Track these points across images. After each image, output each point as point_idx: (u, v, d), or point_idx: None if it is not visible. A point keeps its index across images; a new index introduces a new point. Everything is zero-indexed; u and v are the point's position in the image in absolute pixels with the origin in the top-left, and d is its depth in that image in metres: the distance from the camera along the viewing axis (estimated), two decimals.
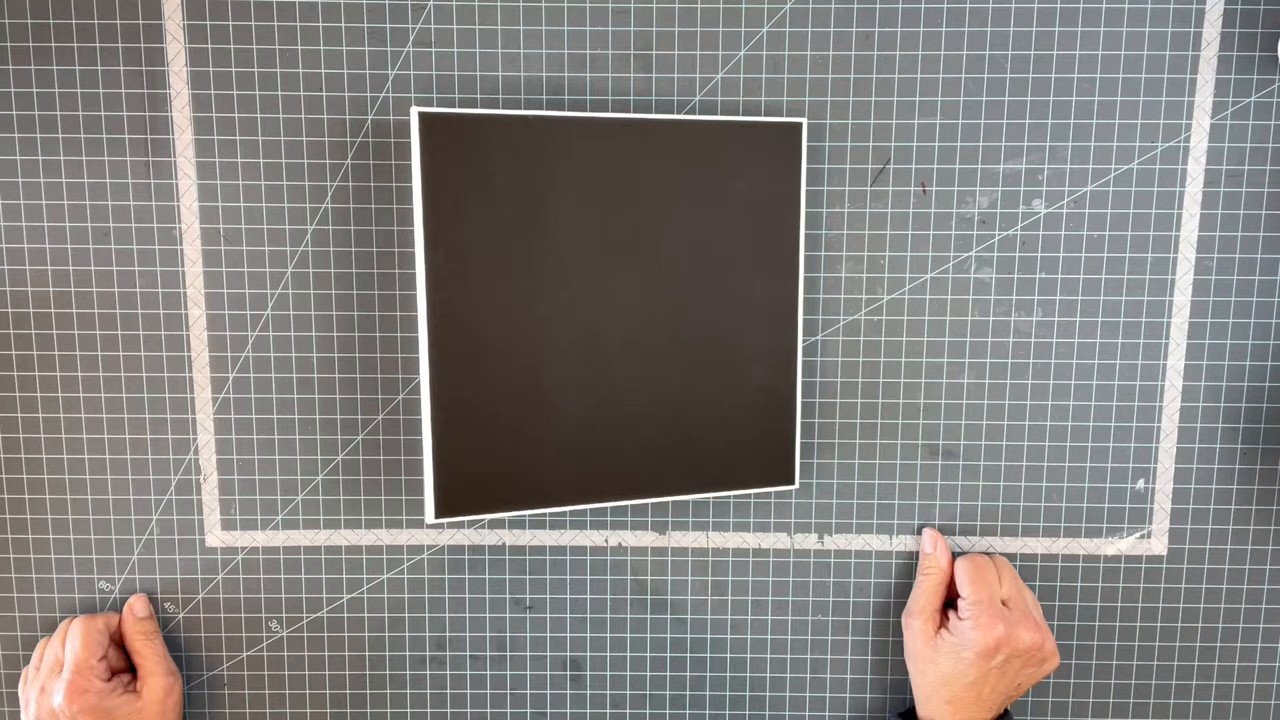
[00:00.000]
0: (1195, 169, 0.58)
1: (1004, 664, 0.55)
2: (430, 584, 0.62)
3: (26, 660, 0.62)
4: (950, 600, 0.60)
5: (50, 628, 0.62)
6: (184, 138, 0.58)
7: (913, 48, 0.57)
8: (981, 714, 0.56)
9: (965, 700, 0.56)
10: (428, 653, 0.63)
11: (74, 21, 0.56)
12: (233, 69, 0.57)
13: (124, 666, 0.60)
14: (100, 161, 0.58)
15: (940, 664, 0.57)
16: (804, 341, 0.59)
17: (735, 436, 0.58)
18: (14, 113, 0.57)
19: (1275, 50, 0.57)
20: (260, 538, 0.61)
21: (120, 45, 0.57)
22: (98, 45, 0.56)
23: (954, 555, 0.60)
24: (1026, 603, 0.58)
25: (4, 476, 0.61)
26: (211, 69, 0.57)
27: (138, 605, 0.60)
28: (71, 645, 0.57)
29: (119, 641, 0.60)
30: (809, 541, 0.62)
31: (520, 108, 0.57)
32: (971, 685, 0.56)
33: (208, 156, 0.58)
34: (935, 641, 0.58)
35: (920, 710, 0.59)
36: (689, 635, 0.63)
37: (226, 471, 0.61)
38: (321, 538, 0.62)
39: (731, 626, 0.63)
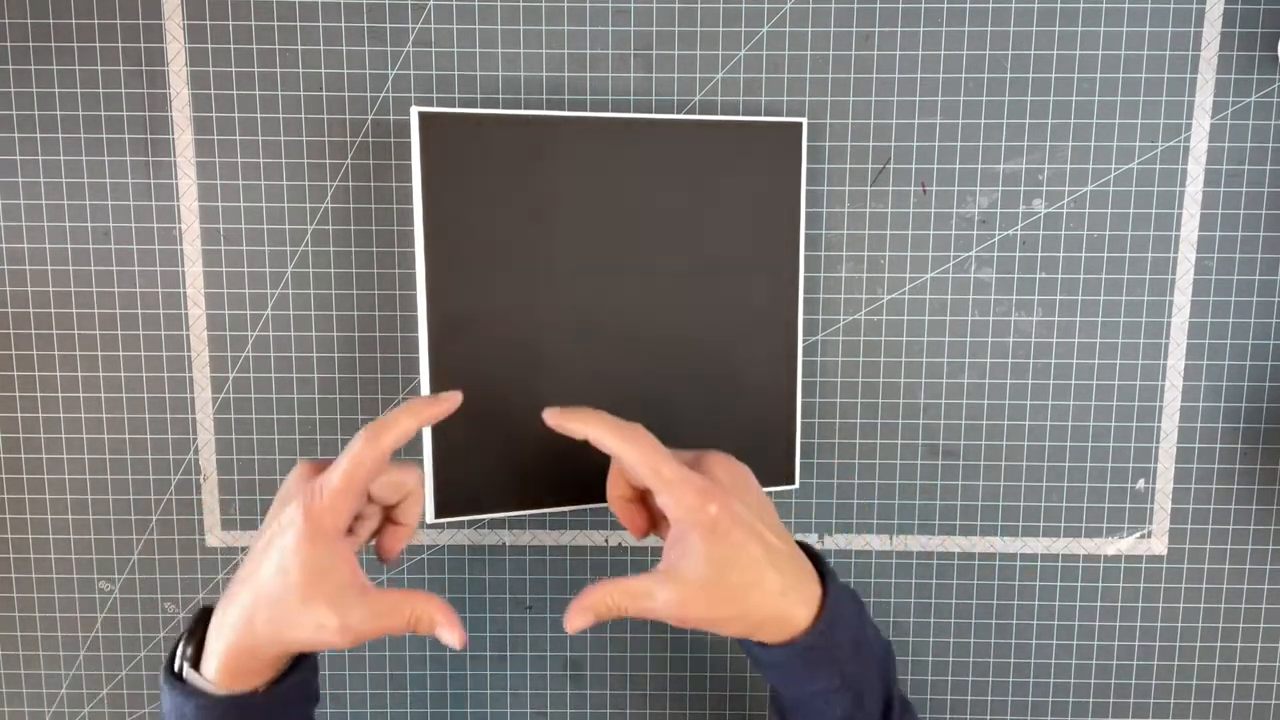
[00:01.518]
0: (1195, 169, 0.58)
1: (730, 512, 0.44)
2: (430, 584, 0.62)
3: (27, 660, 0.62)
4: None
5: (51, 628, 0.62)
6: (184, 138, 0.58)
7: (913, 48, 0.57)
8: (792, 574, 0.45)
9: (776, 576, 0.44)
10: (428, 653, 0.63)
11: (74, 21, 0.56)
12: (233, 69, 0.57)
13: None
14: (100, 161, 0.58)
15: (705, 575, 0.44)
16: (804, 341, 0.59)
17: (735, 437, 0.58)
18: (14, 113, 0.57)
19: (1275, 50, 0.57)
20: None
21: (120, 45, 0.57)
22: (98, 45, 0.56)
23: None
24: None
25: (4, 476, 0.61)
26: (211, 69, 0.57)
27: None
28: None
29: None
30: (809, 541, 0.62)
31: (520, 108, 0.57)
32: (758, 555, 0.44)
33: (208, 156, 0.58)
34: (670, 566, 0.45)
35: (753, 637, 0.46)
36: (689, 635, 0.63)
37: (226, 471, 0.61)
38: None
39: None
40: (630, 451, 0.45)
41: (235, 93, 0.57)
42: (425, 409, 0.46)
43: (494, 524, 0.62)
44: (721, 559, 0.44)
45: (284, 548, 0.43)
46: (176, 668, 0.45)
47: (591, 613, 0.44)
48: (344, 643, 0.43)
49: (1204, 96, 0.57)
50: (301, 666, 0.46)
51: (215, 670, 0.43)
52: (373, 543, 0.50)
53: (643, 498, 0.51)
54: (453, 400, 0.47)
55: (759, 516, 0.46)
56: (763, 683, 0.63)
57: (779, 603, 0.45)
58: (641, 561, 0.62)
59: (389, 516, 0.49)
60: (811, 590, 0.46)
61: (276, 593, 0.43)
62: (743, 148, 0.56)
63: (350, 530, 0.47)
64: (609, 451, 0.46)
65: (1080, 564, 0.62)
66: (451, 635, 0.44)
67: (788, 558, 0.46)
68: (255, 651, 0.43)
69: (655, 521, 0.51)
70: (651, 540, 0.62)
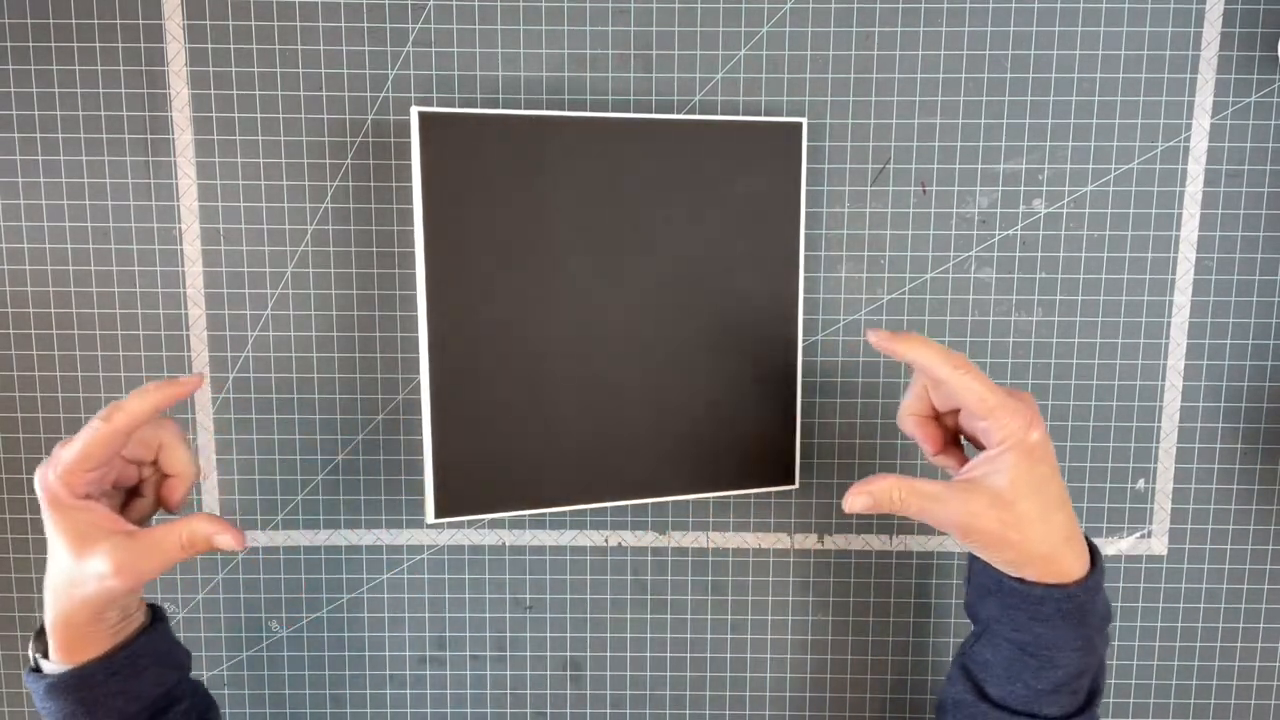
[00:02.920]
0: (1195, 169, 0.58)
1: (1048, 443, 0.46)
2: (430, 584, 0.62)
3: (27, 661, 0.62)
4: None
5: None
6: (184, 138, 0.58)
7: (913, 48, 0.57)
8: (1076, 528, 0.46)
9: (1065, 521, 0.46)
10: (428, 653, 0.63)
11: (74, 21, 0.56)
12: (233, 69, 0.57)
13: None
14: (100, 161, 0.58)
15: (1020, 492, 0.45)
16: (804, 341, 0.59)
17: (735, 436, 0.58)
18: (14, 113, 0.57)
19: (1275, 50, 0.57)
20: (260, 538, 0.61)
21: (120, 45, 0.57)
22: (98, 45, 0.56)
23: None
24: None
25: (4, 476, 0.61)
26: (211, 69, 0.57)
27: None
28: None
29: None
30: (809, 541, 0.62)
31: (520, 108, 0.57)
32: (1056, 493, 0.45)
33: (208, 156, 0.58)
34: (972, 478, 0.46)
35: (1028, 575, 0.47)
36: (689, 635, 0.63)
37: (226, 471, 0.61)
38: (321, 538, 0.62)
39: (731, 626, 0.63)
40: (960, 377, 0.46)
41: (235, 93, 0.57)
42: (156, 391, 0.47)
43: (494, 524, 0.62)
44: (1029, 483, 0.45)
45: (48, 531, 0.46)
46: (32, 665, 0.49)
47: (872, 498, 0.46)
48: (126, 583, 0.45)
49: (1204, 96, 0.57)
50: (148, 631, 0.49)
51: (53, 650, 0.47)
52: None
53: (939, 418, 0.51)
54: (189, 384, 0.48)
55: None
56: (763, 682, 0.63)
57: (1060, 546, 0.46)
58: (642, 561, 0.62)
59: (162, 472, 0.51)
60: (1083, 549, 0.47)
61: (60, 565, 0.46)
62: (743, 148, 0.56)
63: (135, 496, 0.50)
64: (933, 375, 0.47)
65: None
66: (225, 538, 0.46)
67: (1072, 511, 0.47)
68: (70, 620, 0.46)
69: (946, 445, 0.51)
70: (651, 540, 0.62)
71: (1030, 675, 0.47)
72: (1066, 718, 0.47)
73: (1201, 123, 0.57)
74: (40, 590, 0.57)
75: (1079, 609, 0.46)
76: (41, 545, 0.61)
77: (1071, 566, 0.46)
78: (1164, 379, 0.60)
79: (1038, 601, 0.46)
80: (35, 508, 0.61)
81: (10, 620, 0.62)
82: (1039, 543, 0.46)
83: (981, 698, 0.49)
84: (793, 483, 0.60)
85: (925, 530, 0.62)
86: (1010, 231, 0.59)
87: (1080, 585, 0.46)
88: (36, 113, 0.57)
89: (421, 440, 0.57)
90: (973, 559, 0.50)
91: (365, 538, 0.62)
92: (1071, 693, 0.47)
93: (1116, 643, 0.63)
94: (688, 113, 0.57)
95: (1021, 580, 0.47)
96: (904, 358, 0.47)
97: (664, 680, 0.64)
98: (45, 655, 0.48)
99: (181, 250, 0.59)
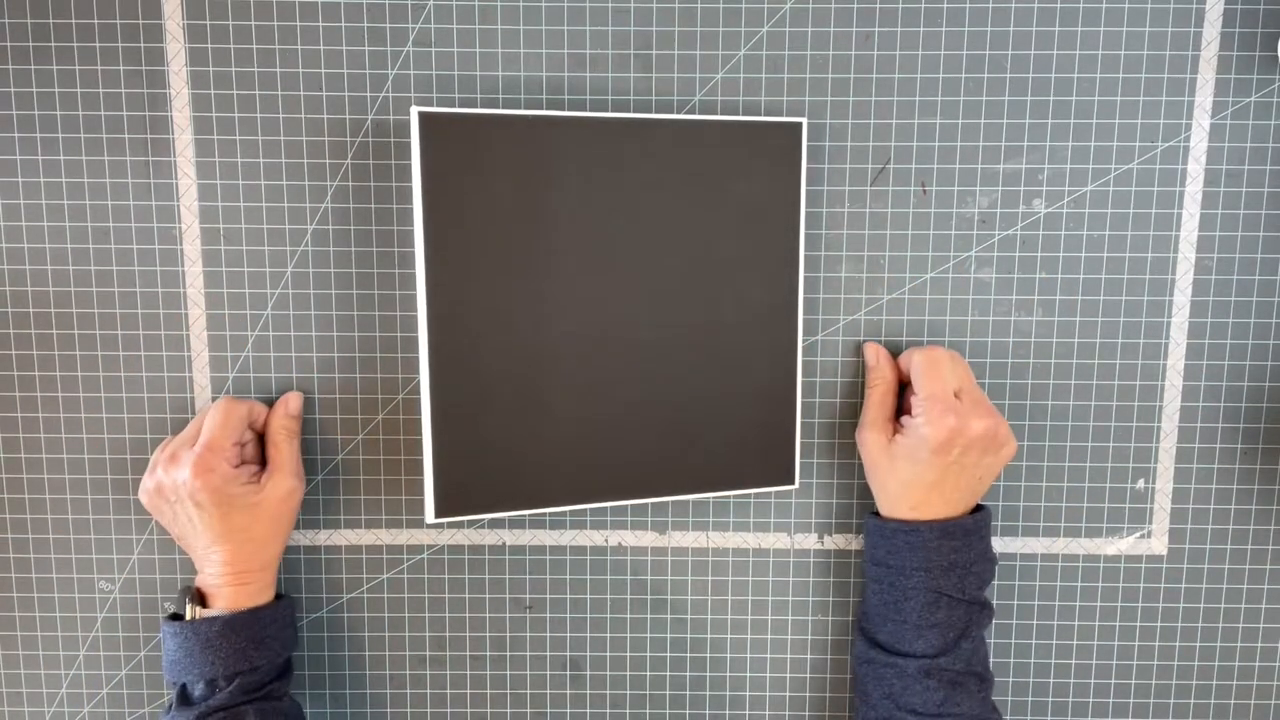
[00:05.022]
0: (1195, 169, 0.58)
1: (960, 457, 0.54)
2: (430, 584, 0.62)
3: (27, 660, 0.62)
4: (904, 412, 0.59)
5: (51, 628, 0.62)
6: (184, 138, 0.58)
7: (913, 48, 0.57)
8: (948, 512, 0.56)
9: (930, 503, 0.55)
10: (428, 653, 0.63)
11: (74, 21, 0.56)
12: (233, 69, 0.57)
13: (256, 459, 0.59)
14: (100, 161, 0.58)
15: (899, 470, 0.56)
16: (804, 341, 0.59)
17: (735, 436, 0.58)
18: (14, 113, 0.57)
19: (1275, 50, 0.57)
20: None
21: (120, 45, 0.57)
22: (98, 45, 0.56)
23: (900, 355, 0.59)
24: (978, 392, 0.56)
25: (4, 476, 0.61)
26: (211, 69, 0.57)
27: (292, 401, 0.59)
28: (211, 421, 0.56)
29: (260, 433, 0.59)
30: (809, 541, 0.62)
31: (520, 108, 0.57)
32: (933, 486, 0.55)
33: (208, 156, 0.58)
34: (890, 448, 0.56)
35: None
36: (689, 635, 0.63)
37: None
38: (321, 538, 0.62)
39: (731, 626, 0.63)
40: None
41: (235, 93, 0.57)
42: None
43: (494, 524, 0.62)
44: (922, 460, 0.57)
45: (208, 510, 0.55)
46: (189, 616, 0.56)
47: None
48: (301, 482, 0.58)
49: (1204, 96, 0.57)
50: (281, 599, 0.59)
51: (222, 600, 0.56)
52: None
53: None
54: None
55: None
56: (764, 682, 0.63)
57: (926, 496, 0.56)
58: (642, 561, 0.62)
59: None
60: (960, 509, 0.57)
61: (239, 520, 0.56)
62: (743, 148, 0.56)
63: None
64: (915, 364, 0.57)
65: (1080, 564, 0.62)
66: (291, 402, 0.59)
67: (957, 489, 0.57)
68: (256, 560, 0.57)
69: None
70: (652, 540, 0.62)
71: (893, 611, 0.56)
72: (935, 655, 0.54)
73: (1201, 123, 0.57)
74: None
75: (923, 543, 0.55)
76: (41, 545, 0.61)
77: (934, 514, 0.56)
78: (1164, 379, 0.60)
79: (890, 534, 0.56)
80: (36, 507, 0.61)
81: (10, 620, 0.62)
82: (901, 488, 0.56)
83: (873, 645, 0.57)
84: (793, 483, 0.60)
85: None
86: (1010, 231, 0.59)
87: (927, 524, 0.55)
88: (36, 113, 0.57)
89: (421, 440, 0.57)
90: (871, 530, 0.58)
91: (365, 538, 0.62)
92: (934, 629, 0.55)
93: (1116, 643, 0.63)
94: (688, 113, 0.57)
95: (881, 517, 0.57)
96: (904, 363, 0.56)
97: (664, 680, 0.64)
98: (204, 605, 0.56)
99: (181, 250, 0.59)
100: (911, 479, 0.55)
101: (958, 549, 0.55)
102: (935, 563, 0.55)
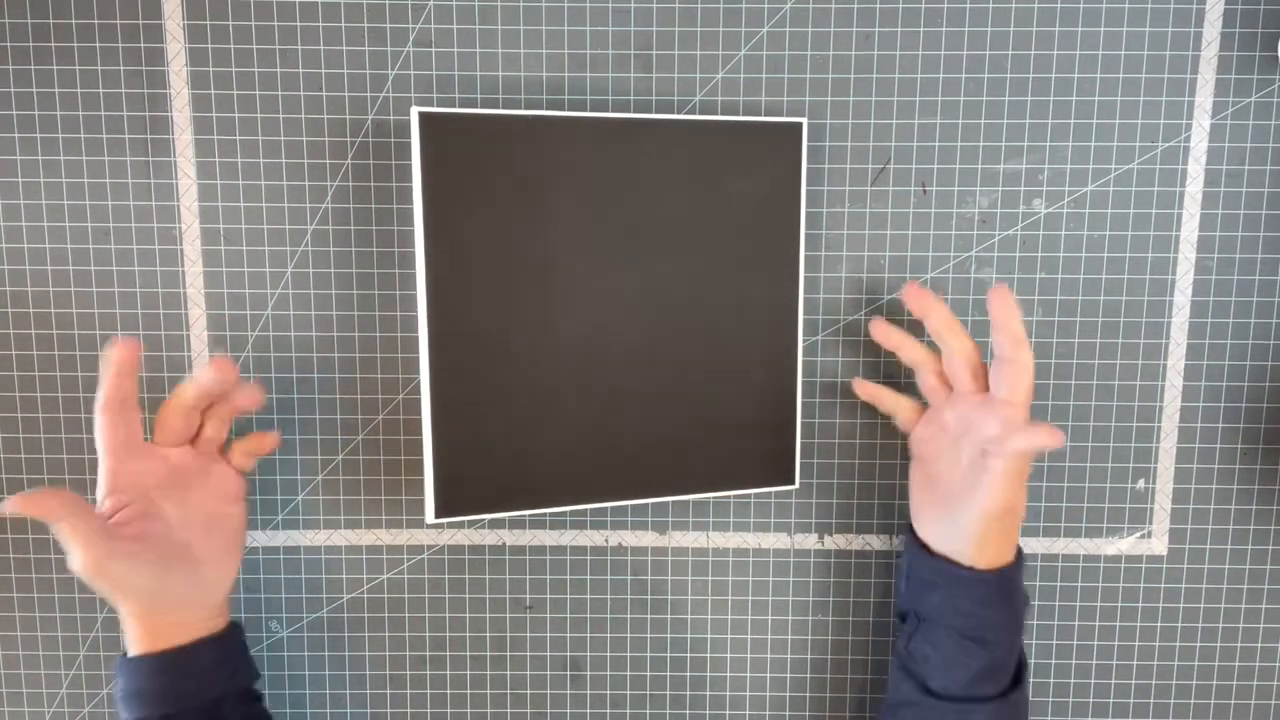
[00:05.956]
0: (1195, 169, 0.58)
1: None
2: (430, 584, 0.62)
3: (27, 660, 0.62)
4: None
5: (51, 628, 0.62)
6: (184, 138, 0.58)
7: (913, 48, 0.57)
8: (951, 527, 0.53)
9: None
10: (428, 653, 0.63)
11: (74, 21, 0.56)
12: (233, 69, 0.57)
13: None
14: (100, 161, 0.58)
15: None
16: (804, 341, 0.59)
17: (735, 436, 0.58)
18: (14, 113, 0.57)
19: (1275, 50, 0.57)
20: (260, 538, 0.61)
21: (120, 45, 0.57)
22: (98, 45, 0.56)
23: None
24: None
25: (4, 476, 0.61)
26: (211, 69, 0.57)
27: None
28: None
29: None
30: (809, 541, 0.62)
31: (520, 108, 0.57)
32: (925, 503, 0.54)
33: (208, 156, 0.58)
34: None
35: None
36: (689, 635, 0.63)
37: None
38: (321, 538, 0.62)
39: (731, 626, 0.63)
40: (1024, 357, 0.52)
41: (235, 93, 0.57)
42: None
43: (494, 524, 0.62)
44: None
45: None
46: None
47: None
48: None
49: (1204, 96, 0.57)
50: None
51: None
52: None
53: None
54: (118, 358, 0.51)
55: None
56: (764, 682, 0.63)
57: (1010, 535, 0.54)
58: (642, 561, 0.62)
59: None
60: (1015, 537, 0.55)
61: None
62: (743, 148, 0.56)
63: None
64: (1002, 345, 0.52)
65: (1080, 564, 0.62)
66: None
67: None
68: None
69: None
70: (652, 540, 0.62)
71: (971, 658, 0.52)
72: (1002, 695, 0.53)
73: (1201, 123, 0.57)
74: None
75: (1014, 589, 0.53)
76: (41, 545, 0.61)
77: (1006, 553, 0.53)
78: (1164, 379, 0.60)
79: (983, 584, 0.52)
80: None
81: (10, 620, 0.62)
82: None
83: (926, 693, 0.53)
84: (793, 483, 0.60)
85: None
86: (1010, 231, 0.59)
87: (1012, 566, 0.53)
88: (36, 113, 0.57)
89: (421, 440, 0.57)
90: (912, 559, 0.55)
91: (365, 538, 0.62)
92: (1004, 670, 0.53)
93: (1116, 643, 0.63)
94: (688, 113, 0.57)
95: (969, 568, 0.52)
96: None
97: (664, 680, 0.64)
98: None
99: (181, 250, 0.59)
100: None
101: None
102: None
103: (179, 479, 0.53)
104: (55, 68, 0.57)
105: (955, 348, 0.53)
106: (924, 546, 0.55)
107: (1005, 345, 0.51)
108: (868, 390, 0.59)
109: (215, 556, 0.54)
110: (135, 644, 0.51)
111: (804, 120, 0.56)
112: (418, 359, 0.58)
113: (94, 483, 0.60)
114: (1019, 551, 0.54)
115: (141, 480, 0.52)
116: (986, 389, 0.53)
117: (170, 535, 0.52)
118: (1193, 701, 0.63)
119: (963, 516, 0.52)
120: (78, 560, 0.47)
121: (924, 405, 0.57)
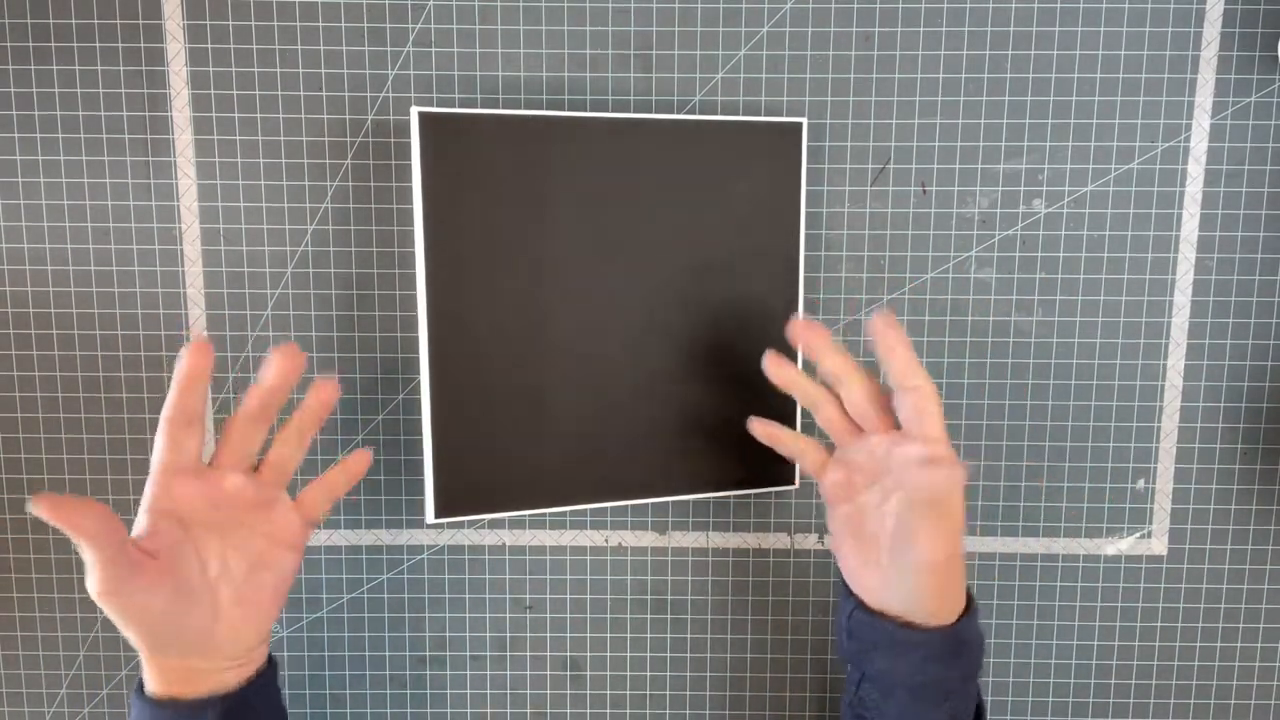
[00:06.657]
0: (1195, 169, 0.58)
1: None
2: (430, 584, 0.62)
3: (27, 660, 0.62)
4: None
5: (51, 628, 0.62)
6: (184, 138, 0.58)
7: (913, 48, 0.57)
8: (885, 578, 0.48)
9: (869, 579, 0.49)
10: (428, 653, 0.63)
11: (74, 21, 0.56)
12: (233, 69, 0.57)
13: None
14: (100, 161, 0.58)
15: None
16: None
17: (736, 437, 0.58)
18: (14, 113, 0.57)
19: (1275, 50, 0.57)
20: None
21: (120, 45, 0.57)
22: (98, 45, 0.56)
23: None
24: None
25: (4, 476, 0.61)
26: (211, 69, 0.57)
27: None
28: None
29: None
30: (809, 541, 0.62)
31: (520, 108, 0.57)
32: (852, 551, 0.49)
33: (208, 156, 0.58)
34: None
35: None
36: (689, 635, 0.63)
37: None
38: (321, 538, 0.62)
39: (731, 626, 0.63)
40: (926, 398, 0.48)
41: (235, 93, 0.57)
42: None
43: (494, 524, 0.62)
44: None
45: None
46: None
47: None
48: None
49: (1204, 96, 0.57)
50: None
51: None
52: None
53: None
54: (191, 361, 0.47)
55: None
56: (764, 682, 0.63)
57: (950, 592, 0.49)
58: (642, 561, 0.62)
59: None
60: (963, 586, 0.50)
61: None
62: (743, 148, 0.56)
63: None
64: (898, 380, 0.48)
65: (1080, 564, 0.62)
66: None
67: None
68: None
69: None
70: (652, 540, 0.62)
71: (928, 708, 0.48)
72: None
73: (1201, 123, 0.57)
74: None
75: (969, 641, 0.48)
76: (41, 546, 0.61)
77: (955, 603, 0.48)
78: (1164, 379, 0.60)
79: (928, 645, 0.47)
80: None
81: (10, 620, 0.62)
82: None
83: None
84: (793, 483, 0.60)
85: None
86: (1010, 231, 0.59)
87: (965, 619, 0.48)
88: (36, 113, 0.57)
89: (421, 440, 0.57)
90: (851, 617, 0.50)
91: (365, 538, 0.62)
92: (963, 713, 0.49)
93: (1116, 643, 0.63)
94: (688, 113, 0.57)
95: (911, 626, 0.47)
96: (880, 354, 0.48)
97: (664, 680, 0.64)
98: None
99: (181, 250, 0.59)
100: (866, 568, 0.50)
101: None
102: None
103: (231, 513, 0.47)
104: (55, 68, 0.57)
105: (855, 389, 0.49)
106: (861, 602, 0.50)
107: (902, 375, 0.46)
108: (765, 431, 0.54)
109: (249, 603, 0.47)
110: (146, 680, 0.47)
111: (804, 120, 0.56)
112: (418, 359, 0.58)
113: (94, 483, 0.61)
114: (969, 599, 0.49)
115: (187, 506, 0.46)
116: (895, 425, 0.48)
117: (198, 574, 0.46)
118: (1192, 701, 0.63)
119: (898, 572, 0.47)
120: (89, 584, 0.43)
121: (830, 446, 0.53)
